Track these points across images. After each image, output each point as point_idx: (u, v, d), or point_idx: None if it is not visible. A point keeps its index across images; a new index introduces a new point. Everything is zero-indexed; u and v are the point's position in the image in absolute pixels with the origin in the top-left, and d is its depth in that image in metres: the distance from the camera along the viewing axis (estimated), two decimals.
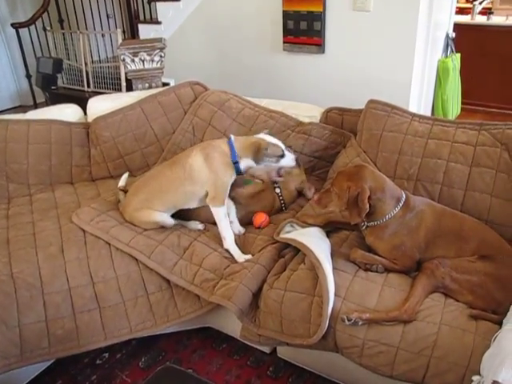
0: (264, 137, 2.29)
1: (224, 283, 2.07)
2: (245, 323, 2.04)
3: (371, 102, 2.59)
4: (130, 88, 3.91)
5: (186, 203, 2.32)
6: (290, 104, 3.03)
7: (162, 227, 2.33)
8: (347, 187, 1.94)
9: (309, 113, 2.92)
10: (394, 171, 2.37)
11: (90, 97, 3.21)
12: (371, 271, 1.98)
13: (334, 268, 1.97)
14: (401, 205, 1.98)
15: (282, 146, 2.25)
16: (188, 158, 2.26)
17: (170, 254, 2.21)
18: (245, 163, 2.23)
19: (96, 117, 2.98)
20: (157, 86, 3.43)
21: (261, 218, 2.39)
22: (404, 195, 2.02)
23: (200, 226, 2.40)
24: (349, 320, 1.77)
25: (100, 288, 2.12)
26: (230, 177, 2.24)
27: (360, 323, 1.77)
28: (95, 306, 2.11)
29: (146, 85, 3.41)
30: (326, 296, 1.83)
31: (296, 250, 2.16)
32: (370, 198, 1.93)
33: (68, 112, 3.07)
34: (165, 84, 3.89)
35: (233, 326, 2.20)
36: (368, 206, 1.92)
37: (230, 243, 2.23)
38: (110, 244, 2.22)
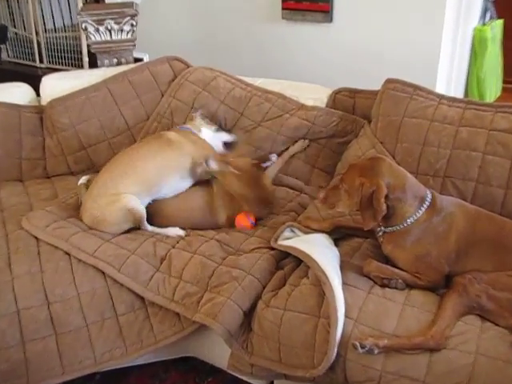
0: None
1: (209, 297, 2.10)
2: (234, 349, 2.06)
3: (389, 81, 2.63)
4: (93, 64, 3.91)
5: (163, 182, 2.46)
6: (289, 84, 3.06)
7: (135, 229, 2.40)
8: (360, 184, 1.96)
9: (313, 94, 2.95)
10: (416, 166, 2.40)
11: (44, 74, 3.24)
12: (389, 287, 2.00)
13: (344, 283, 2.00)
14: (425, 206, 2.01)
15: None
16: (162, 137, 2.54)
17: (144, 265, 2.23)
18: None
19: (52, 99, 2.99)
20: (127, 62, 3.44)
21: (243, 221, 2.43)
22: (429, 194, 2.05)
23: (181, 232, 2.44)
24: (362, 347, 1.79)
25: (57, 309, 2.13)
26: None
27: (376, 351, 1.79)
28: (50, 332, 2.12)
29: (114, 60, 3.43)
30: (334, 317, 1.84)
31: (298, 261, 2.19)
32: (387, 197, 1.95)
33: (16, 92, 3.09)
34: (137, 60, 3.88)
35: (220, 354, 2.22)
36: (385, 207, 1.95)
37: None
38: (70, 255, 2.24)
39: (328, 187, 2.15)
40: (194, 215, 2.52)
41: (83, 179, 2.66)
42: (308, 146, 2.82)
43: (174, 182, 2.49)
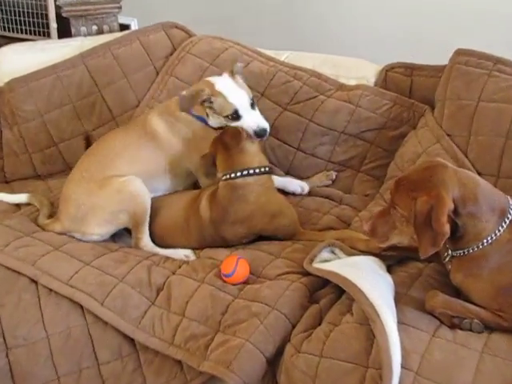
0: (217, 80, 2.51)
1: (222, 339, 2.08)
2: None
3: (460, 52, 2.63)
4: (65, 32, 3.94)
5: (156, 175, 2.55)
6: (325, 58, 3.09)
7: (124, 248, 2.47)
8: (412, 199, 1.94)
9: (356, 72, 2.97)
10: (497, 166, 2.40)
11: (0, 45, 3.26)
12: (461, 329, 1.99)
13: (401, 322, 1.98)
14: (508, 221, 2.00)
15: (240, 101, 2.45)
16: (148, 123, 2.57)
17: (135, 297, 2.23)
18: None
19: (11, 79, 3.02)
20: (111, 31, 3.48)
21: (242, 274, 2.33)
22: None
23: (190, 254, 2.48)
24: None
25: (19, 356, 2.14)
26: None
27: None
28: None
29: (94, 28, 3.46)
30: (387, 368, 1.82)
31: (338, 292, 2.18)
32: (456, 213, 1.92)
33: None
34: (123, 27, 3.92)
35: None
36: (448, 228, 1.91)
37: None
38: (37, 283, 2.25)
39: (374, 214, 2.12)
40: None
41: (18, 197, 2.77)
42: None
43: (166, 180, 2.60)
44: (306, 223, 2.63)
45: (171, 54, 3.10)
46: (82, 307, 2.21)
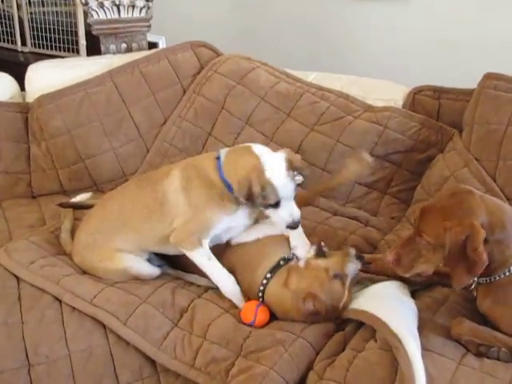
0: (268, 164, 2.22)
1: (244, 366, 2.05)
2: None
3: (489, 76, 2.61)
4: (94, 49, 3.98)
5: (158, 246, 2.42)
6: (353, 80, 3.08)
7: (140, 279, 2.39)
8: (445, 229, 1.91)
9: (384, 94, 2.96)
10: None
11: (27, 61, 3.30)
12: (488, 357, 1.95)
13: (425, 349, 1.94)
14: None
15: (286, 194, 2.22)
16: (164, 179, 2.36)
17: (158, 318, 2.22)
18: None
19: (41, 95, 3.04)
20: (140, 48, 3.50)
21: (262, 320, 2.25)
22: None
23: (202, 282, 2.43)
24: None
25: (40, 374, 2.12)
26: (219, 213, 2.31)
27: None
28: None
29: (123, 45, 3.48)
30: None
31: None
32: (485, 241, 1.90)
33: None
34: (151, 45, 3.95)
35: None
36: (486, 255, 1.88)
37: (228, 291, 2.32)
38: (60, 301, 2.24)
39: (399, 243, 2.08)
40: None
41: (80, 197, 2.72)
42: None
43: (173, 249, 2.41)
44: (331, 240, 2.56)
45: (199, 73, 3.11)
46: (104, 326, 2.20)
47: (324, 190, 2.71)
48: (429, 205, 2.00)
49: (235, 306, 2.29)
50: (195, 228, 2.31)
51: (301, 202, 2.38)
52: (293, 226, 2.27)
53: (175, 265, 2.49)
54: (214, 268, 2.33)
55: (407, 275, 2.08)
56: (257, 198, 2.21)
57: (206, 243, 2.32)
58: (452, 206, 1.93)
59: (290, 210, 2.25)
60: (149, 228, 2.37)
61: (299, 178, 2.65)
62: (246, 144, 2.35)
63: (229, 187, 2.27)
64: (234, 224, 2.36)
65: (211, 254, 2.33)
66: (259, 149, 2.28)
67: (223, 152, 2.33)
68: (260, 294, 2.28)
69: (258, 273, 2.30)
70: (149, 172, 2.51)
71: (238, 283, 2.34)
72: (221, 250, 2.40)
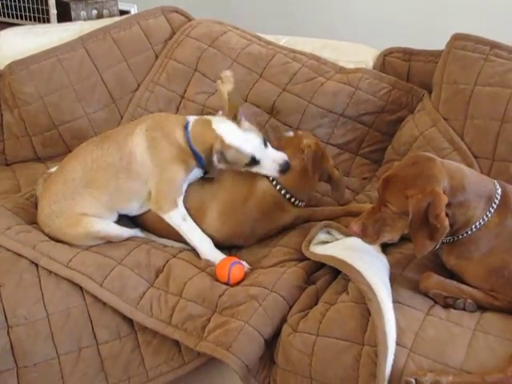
0: (223, 128, 2.36)
1: (220, 321, 2.11)
2: None
3: (457, 37, 2.64)
4: (64, 17, 3.95)
5: (125, 206, 2.47)
6: (324, 43, 3.11)
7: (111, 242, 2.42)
8: (407, 197, 1.95)
9: (354, 57, 2.99)
10: (492, 149, 2.42)
11: None
12: (455, 308, 2.01)
13: (396, 301, 2.00)
14: (495, 205, 2.02)
15: (254, 147, 2.35)
16: (128, 139, 2.40)
17: (134, 278, 2.25)
18: None
19: (12, 61, 3.03)
20: (111, 15, 3.50)
21: (237, 275, 2.30)
22: (499, 189, 2.05)
23: (176, 245, 2.48)
24: None
25: (20, 335, 2.15)
26: (184, 172, 2.40)
27: None
28: (10, 366, 2.14)
29: (94, 12, 3.48)
30: (382, 345, 1.85)
31: (334, 272, 2.22)
32: (447, 205, 1.94)
33: None
34: (123, 12, 3.94)
35: None
36: (447, 221, 1.93)
37: (206, 252, 2.40)
38: (37, 265, 2.26)
39: (363, 214, 2.11)
40: None
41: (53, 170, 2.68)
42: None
43: (138, 208, 2.49)
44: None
45: (170, 38, 3.11)
46: (81, 288, 2.22)
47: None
48: (391, 174, 2.03)
49: (210, 265, 2.33)
50: (167, 188, 2.38)
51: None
52: (284, 169, 2.38)
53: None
54: (190, 229, 2.40)
55: (374, 244, 2.12)
56: (233, 164, 2.35)
57: (181, 202, 2.38)
58: (414, 174, 1.97)
59: (271, 158, 2.37)
60: (115, 186, 2.40)
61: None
62: (206, 117, 2.47)
63: (199, 158, 2.38)
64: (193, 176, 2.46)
65: (186, 215, 2.39)
66: (215, 121, 2.39)
67: (190, 121, 2.41)
68: None
69: None
70: (106, 132, 2.52)
71: None
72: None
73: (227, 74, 2.46)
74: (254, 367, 2.06)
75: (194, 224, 2.41)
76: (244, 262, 2.33)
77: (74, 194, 2.40)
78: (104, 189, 2.40)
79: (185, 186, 2.43)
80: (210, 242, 2.41)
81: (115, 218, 2.47)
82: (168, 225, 2.42)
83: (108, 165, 2.39)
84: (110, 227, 2.41)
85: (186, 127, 2.40)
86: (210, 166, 2.35)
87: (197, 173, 2.46)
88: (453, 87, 2.57)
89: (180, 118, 2.48)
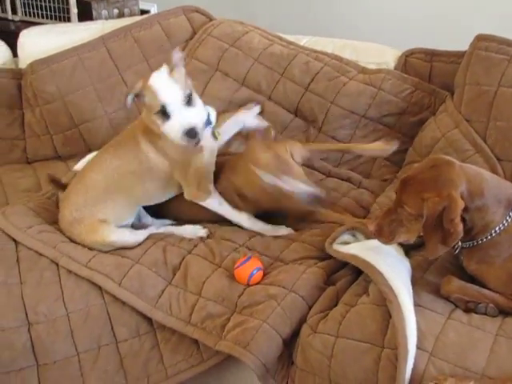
0: (153, 74, 2.30)
1: (238, 320, 2.12)
2: None
3: (480, 38, 2.63)
4: (86, 15, 3.97)
5: (149, 201, 2.53)
6: (345, 43, 3.11)
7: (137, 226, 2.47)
8: (423, 200, 1.94)
9: (376, 58, 3.00)
10: None
11: (20, 30, 3.29)
12: (476, 313, 2.00)
13: (417, 305, 2.00)
14: None
15: (170, 97, 2.24)
16: (138, 147, 2.42)
17: (152, 277, 2.28)
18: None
19: (33, 60, 3.06)
20: (132, 14, 3.50)
21: (256, 280, 2.28)
22: None
23: (202, 233, 2.50)
24: None
25: (40, 332, 2.17)
26: (202, 155, 2.42)
27: None
28: (30, 363, 2.16)
29: (115, 11, 3.49)
30: (403, 348, 1.84)
31: (355, 274, 2.22)
32: (465, 210, 1.93)
33: None
34: (143, 11, 3.95)
35: None
36: (461, 227, 1.92)
37: (249, 224, 2.50)
38: (57, 264, 2.29)
39: (380, 214, 2.12)
40: None
41: (82, 162, 2.73)
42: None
43: (166, 198, 2.55)
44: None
45: (191, 38, 3.13)
46: (100, 288, 2.25)
47: (330, 149, 2.78)
48: (409, 176, 2.02)
49: (226, 260, 2.34)
50: (196, 180, 2.42)
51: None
52: (191, 135, 2.25)
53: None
54: (227, 211, 2.48)
55: (389, 244, 2.12)
56: (145, 107, 2.32)
57: (213, 188, 2.46)
58: (431, 177, 1.96)
59: (181, 118, 2.24)
60: (141, 189, 2.45)
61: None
62: None
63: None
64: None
65: (222, 199, 2.47)
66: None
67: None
68: None
69: None
70: (113, 140, 2.55)
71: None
72: None
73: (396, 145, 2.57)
74: (272, 367, 2.06)
75: (228, 206, 2.47)
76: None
77: (95, 202, 2.43)
78: (129, 194, 2.45)
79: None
80: (248, 215, 2.50)
81: (135, 213, 2.53)
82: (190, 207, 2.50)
83: (130, 172, 2.42)
84: (125, 237, 2.43)
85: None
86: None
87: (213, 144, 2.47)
88: (476, 88, 2.56)
89: None
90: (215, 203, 2.48)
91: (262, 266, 2.28)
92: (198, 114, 2.30)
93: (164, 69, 2.29)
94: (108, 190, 2.43)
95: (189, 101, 2.26)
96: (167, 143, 2.35)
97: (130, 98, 2.28)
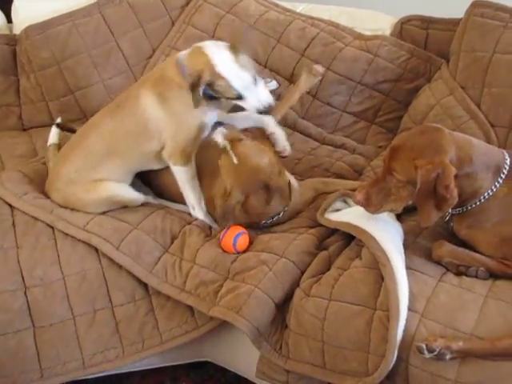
0: (217, 60, 2.29)
1: (231, 286, 2.15)
2: (264, 352, 2.11)
3: (476, 4, 2.62)
4: None
5: (146, 165, 2.52)
6: (341, 10, 3.12)
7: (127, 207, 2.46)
8: (416, 168, 1.95)
9: (372, 24, 3.01)
10: (510, 118, 2.43)
11: None
12: (467, 276, 2.03)
13: (408, 268, 2.03)
14: (503, 175, 2.03)
15: (243, 84, 2.29)
16: (137, 102, 2.40)
17: (149, 243, 2.30)
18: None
19: (28, 26, 3.05)
20: None
21: (243, 244, 2.32)
22: (508, 159, 2.06)
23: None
24: (430, 351, 1.80)
25: (36, 295, 2.20)
26: (200, 119, 2.40)
27: (448, 356, 1.80)
28: (27, 325, 2.19)
29: None
30: (394, 310, 1.87)
31: (347, 238, 2.24)
32: (454, 177, 1.94)
33: None
34: None
35: (245, 359, 2.29)
36: (456, 191, 1.94)
37: (198, 211, 2.45)
38: (53, 228, 2.32)
39: (368, 183, 2.13)
40: None
41: (52, 135, 2.73)
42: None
43: (160, 164, 2.51)
44: (317, 167, 2.70)
45: (187, 4, 3.13)
46: (96, 251, 2.28)
47: (286, 105, 2.69)
48: (399, 143, 2.04)
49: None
50: (184, 139, 2.39)
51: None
52: (264, 110, 2.33)
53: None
54: (191, 186, 2.44)
55: (377, 214, 2.13)
56: (216, 94, 2.31)
57: (193, 163, 2.42)
58: (422, 144, 1.98)
59: (256, 96, 2.30)
60: (138, 150, 2.44)
61: (274, 83, 2.85)
62: (199, 44, 2.39)
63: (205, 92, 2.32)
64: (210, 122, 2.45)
65: (195, 173, 2.43)
66: (210, 47, 2.32)
67: (182, 55, 2.37)
68: None
69: None
70: (113, 102, 2.55)
71: None
72: None
73: (320, 69, 2.53)
74: (265, 330, 2.10)
75: (197, 183, 2.44)
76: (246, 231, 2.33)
77: (94, 164, 2.44)
78: (127, 156, 2.44)
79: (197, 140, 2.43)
80: (204, 207, 2.45)
81: (131, 179, 2.51)
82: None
83: (126, 133, 2.42)
84: (125, 191, 2.45)
85: (178, 62, 2.35)
86: (194, 96, 2.28)
87: (212, 117, 2.45)
88: (471, 55, 2.57)
89: (170, 58, 2.50)
90: (187, 174, 2.43)
91: (244, 230, 2.30)
92: (265, 90, 2.36)
93: (228, 53, 2.29)
94: (106, 152, 2.43)
95: (255, 79, 2.32)
96: (176, 93, 2.36)
97: (201, 90, 2.27)
